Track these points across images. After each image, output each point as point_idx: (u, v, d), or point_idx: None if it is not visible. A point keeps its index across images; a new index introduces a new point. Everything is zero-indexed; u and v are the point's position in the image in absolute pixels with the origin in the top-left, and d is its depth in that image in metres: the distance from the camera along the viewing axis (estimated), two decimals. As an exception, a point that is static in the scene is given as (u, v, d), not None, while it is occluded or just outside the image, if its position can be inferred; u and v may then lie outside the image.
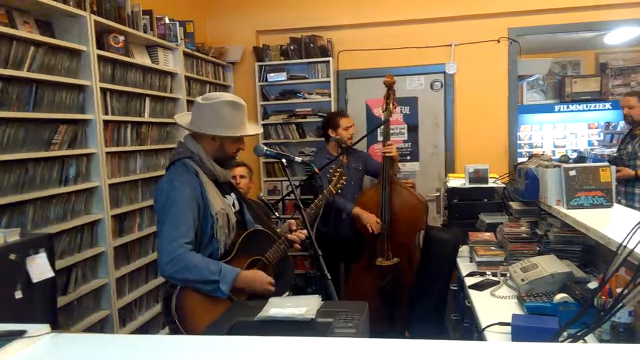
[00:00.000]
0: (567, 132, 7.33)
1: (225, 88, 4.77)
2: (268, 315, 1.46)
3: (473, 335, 2.57)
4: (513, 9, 4.45)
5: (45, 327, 1.19)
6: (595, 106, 6.84)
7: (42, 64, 2.48)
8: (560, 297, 1.99)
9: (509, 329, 1.87)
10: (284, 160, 2.26)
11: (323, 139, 4.02)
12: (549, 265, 2.31)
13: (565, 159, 3.20)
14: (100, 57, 2.85)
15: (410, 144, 4.81)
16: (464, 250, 3.13)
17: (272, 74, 4.64)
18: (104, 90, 2.89)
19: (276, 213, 2.69)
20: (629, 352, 0.98)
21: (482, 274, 2.70)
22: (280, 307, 1.51)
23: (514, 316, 1.91)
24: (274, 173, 4.80)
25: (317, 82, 4.67)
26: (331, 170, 2.74)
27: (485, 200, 3.44)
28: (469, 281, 2.64)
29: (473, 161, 3.74)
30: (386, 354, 1.02)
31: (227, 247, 2.13)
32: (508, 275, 2.54)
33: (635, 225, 1.46)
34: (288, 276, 2.39)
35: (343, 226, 3.75)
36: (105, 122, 2.90)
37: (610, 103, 6.77)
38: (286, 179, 4.65)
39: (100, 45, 2.92)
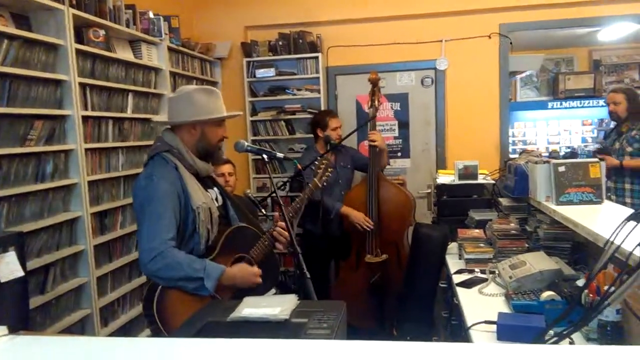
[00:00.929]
0: (560, 129, 7.28)
1: (212, 84, 4.70)
2: (240, 315, 1.40)
3: (461, 333, 2.53)
4: (504, 5, 4.40)
5: (2, 329, 1.12)
6: (588, 103, 6.79)
7: (16, 58, 2.41)
8: (547, 294, 1.94)
9: (495, 327, 1.83)
10: (265, 156, 2.20)
11: (312, 135, 3.97)
12: (537, 263, 2.26)
13: (555, 154, 3.15)
14: (79, 52, 2.78)
15: (401, 140, 4.75)
16: (453, 247, 3.08)
17: (260, 70, 4.57)
18: (83, 85, 2.82)
19: (262, 210, 2.63)
20: (608, 354, 0.92)
21: (471, 272, 2.66)
22: (254, 307, 1.45)
23: (500, 315, 1.86)
24: (263, 170, 4.73)
25: (306, 78, 4.60)
26: (316, 163, 2.68)
27: (475, 196, 3.40)
28: (457, 278, 2.60)
29: (464, 157, 3.69)
30: (355, 357, 0.96)
31: (211, 244, 2.07)
32: (497, 272, 2.50)
33: (622, 222, 1.40)
34: (273, 273, 2.34)
35: (332, 225, 3.69)
36: (85, 118, 2.83)
37: (603, 100, 6.71)
38: (275, 175, 4.63)
39: (80, 39, 2.85)
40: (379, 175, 3.62)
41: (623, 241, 1.39)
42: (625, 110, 3.43)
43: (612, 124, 4.07)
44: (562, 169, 2.48)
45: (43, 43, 2.57)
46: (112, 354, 1.02)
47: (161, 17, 3.62)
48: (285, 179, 4.14)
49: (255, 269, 2.08)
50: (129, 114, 3.28)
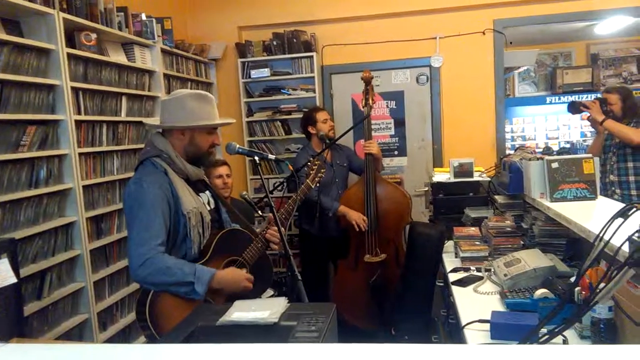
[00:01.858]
0: (559, 124, 7.26)
1: (207, 85, 4.70)
2: (229, 319, 1.40)
3: (459, 332, 2.53)
4: (498, 0, 4.38)
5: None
6: (587, 97, 6.77)
7: (7, 63, 2.40)
8: (540, 292, 1.94)
9: (489, 326, 1.82)
10: (256, 158, 2.20)
11: (311, 133, 3.96)
12: (531, 260, 2.26)
13: (548, 151, 3.14)
14: (71, 56, 2.77)
15: (397, 138, 4.75)
16: (449, 245, 3.08)
17: (255, 71, 4.56)
18: (75, 90, 2.82)
19: (259, 212, 2.63)
20: (593, 353, 0.92)
21: (467, 270, 2.65)
22: (244, 310, 1.45)
23: (493, 313, 1.86)
24: (261, 171, 4.71)
25: (301, 78, 4.60)
26: (309, 164, 2.68)
27: (471, 194, 3.39)
28: (452, 277, 2.59)
29: (461, 155, 3.68)
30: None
31: (202, 248, 2.07)
32: (492, 270, 2.49)
33: (611, 218, 1.39)
34: (267, 276, 2.33)
35: (329, 225, 3.70)
36: (78, 122, 2.83)
37: (601, 94, 6.70)
38: (272, 176, 4.63)
39: (71, 43, 2.85)
40: (375, 175, 3.63)
41: (611, 237, 1.38)
42: (620, 110, 3.40)
43: None
44: (555, 165, 2.47)
45: (34, 48, 2.57)
46: (98, 361, 1.02)
47: (154, 19, 3.61)
48: (281, 180, 4.14)
49: (245, 273, 2.08)
50: (123, 117, 3.27)
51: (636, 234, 1.33)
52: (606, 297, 1.29)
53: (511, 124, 7.08)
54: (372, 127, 4.18)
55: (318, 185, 2.69)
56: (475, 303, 2.19)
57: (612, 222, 1.41)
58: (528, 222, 2.78)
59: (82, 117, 2.88)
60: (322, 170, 2.66)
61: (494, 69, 4.51)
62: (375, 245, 3.63)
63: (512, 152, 4.26)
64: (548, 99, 7.01)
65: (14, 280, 1.88)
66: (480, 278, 2.47)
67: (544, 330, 1.50)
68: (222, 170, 3.47)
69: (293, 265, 1.86)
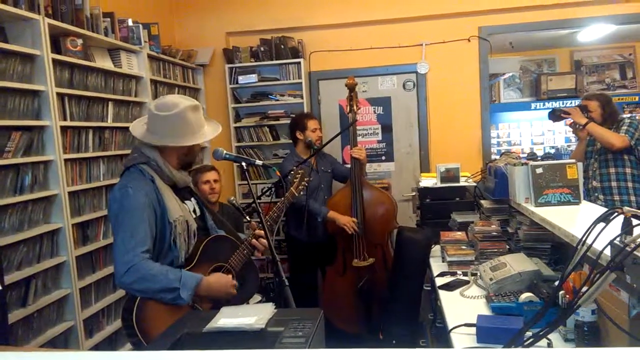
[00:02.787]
0: (544, 129, 7.35)
1: (195, 91, 4.69)
2: (216, 326, 1.40)
3: (446, 336, 2.54)
4: (483, 8, 4.44)
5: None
6: (571, 103, 6.86)
7: (-8, 69, 2.39)
8: (525, 296, 1.96)
9: (475, 330, 1.84)
10: (243, 164, 2.21)
11: (298, 138, 3.97)
12: (517, 264, 2.28)
13: (532, 156, 3.17)
14: (56, 62, 2.75)
15: (384, 144, 4.77)
16: (436, 250, 3.10)
17: (242, 76, 4.56)
18: (61, 96, 2.80)
19: (247, 217, 2.62)
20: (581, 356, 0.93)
21: (453, 274, 2.67)
22: (231, 316, 1.45)
23: (479, 317, 1.88)
24: (249, 176, 4.71)
25: (289, 84, 4.61)
26: (292, 172, 2.69)
27: (457, 199, 3.42)
28: (439, 281, 2.62)
29: (448, 160, 3.71)
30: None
31: (188, 255, 2.07)
32: (478, 274, 2.51)
33: (593, 223, 1.42)
34: (253, 282, 2.33)
35: (316, 231, 3.70)
36: (64, 128, 2.81)
37: (580, 100, 6.79)
38: (259, 182, 4.62)
39: (57, 49, 2.83)
40: (361, 179, 3.65)
41: (593, 242, 1.41)
42: (600, 116, 3.45)
43: None
44: (539, 170, 2.50)
45: (19, 54, 2.55)
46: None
47: (140, 25, 3.60)
48: (269, 185, 4.14)
49: (232, 281, 2.08)
50: (109, 123, 3.25)
51: (617, 238, 1.35)
52: (589, 300, 1.31)
53: (497, 129, 7.15)
54: (359, 132, 4.21)
55: (302, 193, 2.71)
56: (462, 307, 2.22)
57: (594, 227, 1.43)
58: (513, 227, 2.81)
59: (68, 123, 2.86)
60: (306, 179, 2.68)
61: (479, 75, 4.57)
62: (362, 250, 3.64)
63: (497, 157, 4.30)
64: (533, 105, 7.08)
65: (-2, 288, 1.85)
66: (467, 282, 2.50)
67: (529, 333, 1.52)
68: (210, 175, 3.47)
69: (280, 271, 1.86)
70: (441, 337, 2.90)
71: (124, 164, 2.11)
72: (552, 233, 2.31)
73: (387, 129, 4.76)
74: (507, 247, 2.68)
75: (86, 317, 2.91)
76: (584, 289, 1.37)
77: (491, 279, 2.25)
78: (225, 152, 2.19)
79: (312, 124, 3.79)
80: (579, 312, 1.64)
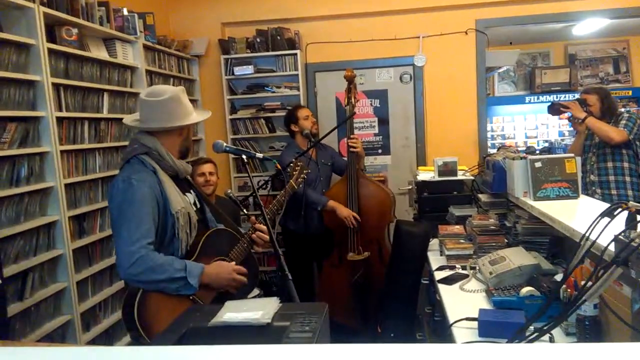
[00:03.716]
0: (538, 123, 7.39)
1: (190, 82, 4.65)
2: (222, 320, 1.39)
3: (445, 330, 2.55)
4: (480, 1, 4.43)
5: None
6: (565, 97, 6.89)
7: (-14, 58, 2.34)
8: (526, 290, 1.97)
9: (476, 324, 1.84)
10: (244, 157, 2.19)
11: (294, 131, 3.96)
12: (516, 258, 2.29)
13: (531, 150, 3.18)
14: (51, 51, 2.71)
15: (381, 137, 4.77)
16: (434, 243, 3.11)
17: (238, 67, 4.52)
18: (56, 86, 2.76)
19: (244, 210, 2.61)
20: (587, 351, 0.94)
21: (452, 268, 2.68)
22: (236, 311, 1.44)
23: (481, 311, 1.88)
24: (244, 169, 4.69)
25: (285, 75, 4.58)
26: (292, 165, 2.68)
27: (455, 192, 3.43)
28: (438, 275, 2.62)
29: (444, 153, 3.72)
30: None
31: (189, 248, 2.06)
32: (477, 268, 2.52)
33: (598, 217, 1.43)
34: (253, 275, 2.32)
35: (313, 223, 3.69)
36: (60, 119, 2.77)
37: (579, 93, 6.82)
38: (256, 174, 4.61)
39: (52, 38, 2.78)
40: (358, 173, 3.63)
41: (598, 237, 1.41)
42: (599, 110, 3.46)
43: None
44: (538, 164, 2.51)
45: (14, 43, 2.50)
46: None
47: (135, 15, 3.55)
48: (266, 178, 4.12)
49: (232, 265, 2.08)
50: (105, 114, 3.21)
51: (622, 234, 1.35)
52: (594, 295, 1.32)
53: (491, 122, 7.17)
54: (356, 125, 4.18)
55: (301, 186, 2.70)
56: (462, 301, 2.22)
57: (598, 222, 1.44)
58: (511, 221, 2.82)
59: (64, 114, 2.82)
60: (305, 171, 2.67)
61: (476, 68, 4.56)
62: (358, 244, 3.64)
63: (493, 151, 4.31)
64: (527, 99, 7.11)
65: (-4, 281, 1.83)
66: (466, 276, 2.51)
67: (530, 327, 1.53)
68: (206, 168, 3.44)
69: (283, 265, 1.86)
70: (439, 331, 2.92)
71: (122, 157, 2.09)
72: (551, 227, 2.32)
73: (383, 121, 4.75)
74: (506, 240, 2.69)
75: (83, 311, 2.89)
76: (585, 284, 1.38)
77: (491, 273, 2.26)
78: (225, 144, 2.17)
79: (302, 113, 3.79)
80: (580, 307, 1.65)
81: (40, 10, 2.61)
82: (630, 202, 1.39)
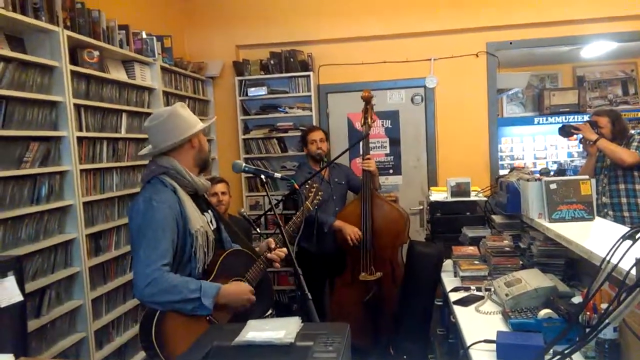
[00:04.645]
0: (547, 144, 7.39)
1: (205, 103, 4.72)
2: (245, 339, 1.41)
3: (459, 352, 2.54)
4: (491, 24, 4.50)
5: (9, 357, 1.12)
6: (573, 118, 6.90)
7: (12, 80, 2.40)
8: (544, 312, 1.97)
9: (494, 346, 1.84)
10: (262, 177, 2.22)
11: (304, 153, 4.02)
12: (532, 280, 2.29)
13: (545, 171, 3.19)
14: (73, 73, 2.78)
15: (392, 157, 4.80)
16: (447, 264, 3.11)
17: (252, 89, 4.60)
18: (77, 107, 2.82)
19: (257, 229, 2.64)
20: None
21: (467, 289, 2.67)
22: (259, 330, 1.46)
23: (499, 333, 1.88)
24: (256, 188, 4.74)
25: (298, 97, 4.64)
26: (307, 186, 2.71)
27: (468, 213, 3.43)
28: (453, 296, 2.61)
29: (455, 174, 3.73)
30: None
31: (207, 267, 2.07)
32: (492, 290, 2.52)
33: (619, 240, 1.43)
34: (268, 296, 2.34)
35: (325, 242, 3.70)
36: (80, 139, 2.82)
37: (588, 115, 6.84)
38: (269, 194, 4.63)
39: (74, 60, 2.86)
40: (372, 193, 3.65)
41: (620, 260, 1.42)
42: (610, 132, 3.47)
43: None
44: (553, 186, 2.52)
45: (38, 65, 2.57)
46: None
47: (154, 37, 3.64)
48: (279, 197, 4.15)
49: (248, 286, 2.09)
50: (123, 134, 3.28)
51: (644, 257, 1.36)
52: (618, 319, 1.32)
53: (500, 143, 7.18)
54: (369, 146, 4.21)
55: (317, 207, 2.72)
56: (478, 323, 2.22)
57: (619, 244, 1.45)
58: (526, 242, 2.82)
59: (84, 134, 2.88)
60: (320, 193, 2.70)
61: (486, 90, 4.61)
62: (370, 264, 3.64)
63: (503, 172, 4.32)
64: (536, 120, 7.11)
65: (20, 298, 1.86)
66: (481, 297, 2.50)
67: (550, 351, 1.53)
68: (219, 188, 3.48)
69: (303, 284, 1.87)
70: (453, 353, 2.90)
71: (142, 178, 2.11)
72: (566, 249, 2.32)
73: (395, 142, 4.78)
74: (521, 262, 2.69)
75: (97, 329, 2.90)
76: (608, 308, 1.38)
77: (507, 295, 2.26)
78: (244, 165, 2.21)
79: (312, 136, 3.84)
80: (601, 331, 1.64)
81: (64, 33, 2.68)
82: (651, 225, 1.40)
